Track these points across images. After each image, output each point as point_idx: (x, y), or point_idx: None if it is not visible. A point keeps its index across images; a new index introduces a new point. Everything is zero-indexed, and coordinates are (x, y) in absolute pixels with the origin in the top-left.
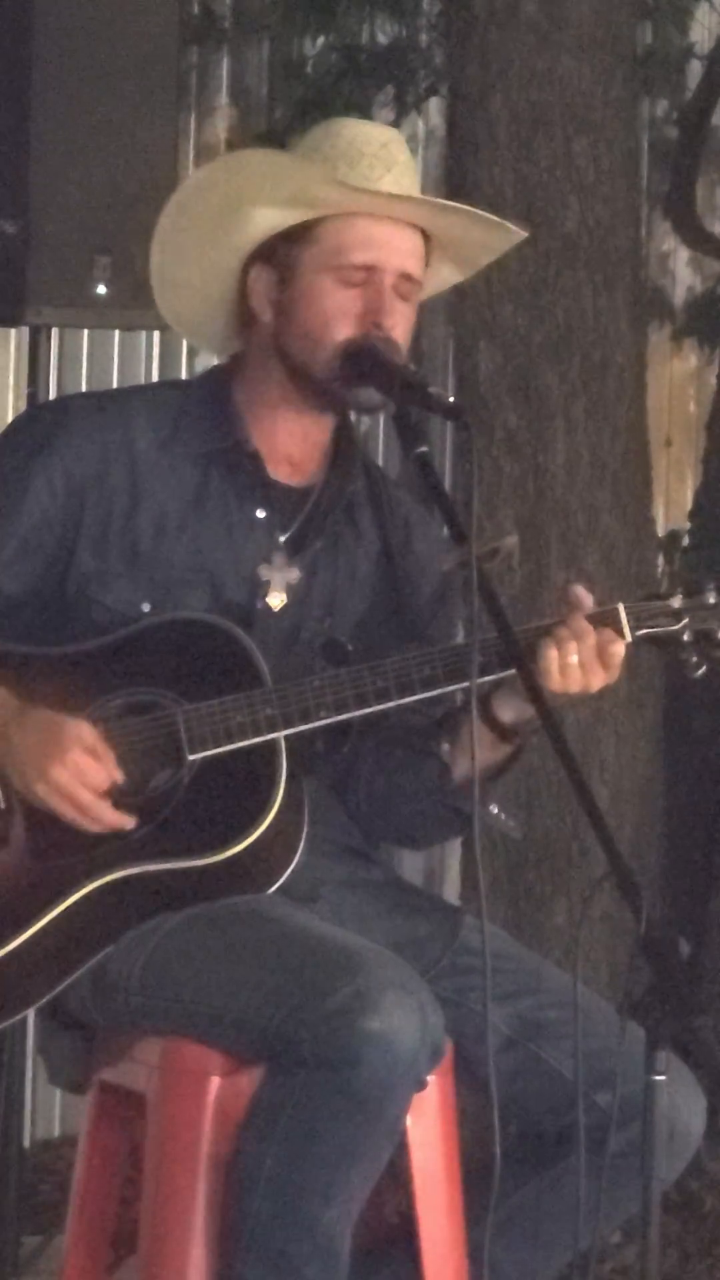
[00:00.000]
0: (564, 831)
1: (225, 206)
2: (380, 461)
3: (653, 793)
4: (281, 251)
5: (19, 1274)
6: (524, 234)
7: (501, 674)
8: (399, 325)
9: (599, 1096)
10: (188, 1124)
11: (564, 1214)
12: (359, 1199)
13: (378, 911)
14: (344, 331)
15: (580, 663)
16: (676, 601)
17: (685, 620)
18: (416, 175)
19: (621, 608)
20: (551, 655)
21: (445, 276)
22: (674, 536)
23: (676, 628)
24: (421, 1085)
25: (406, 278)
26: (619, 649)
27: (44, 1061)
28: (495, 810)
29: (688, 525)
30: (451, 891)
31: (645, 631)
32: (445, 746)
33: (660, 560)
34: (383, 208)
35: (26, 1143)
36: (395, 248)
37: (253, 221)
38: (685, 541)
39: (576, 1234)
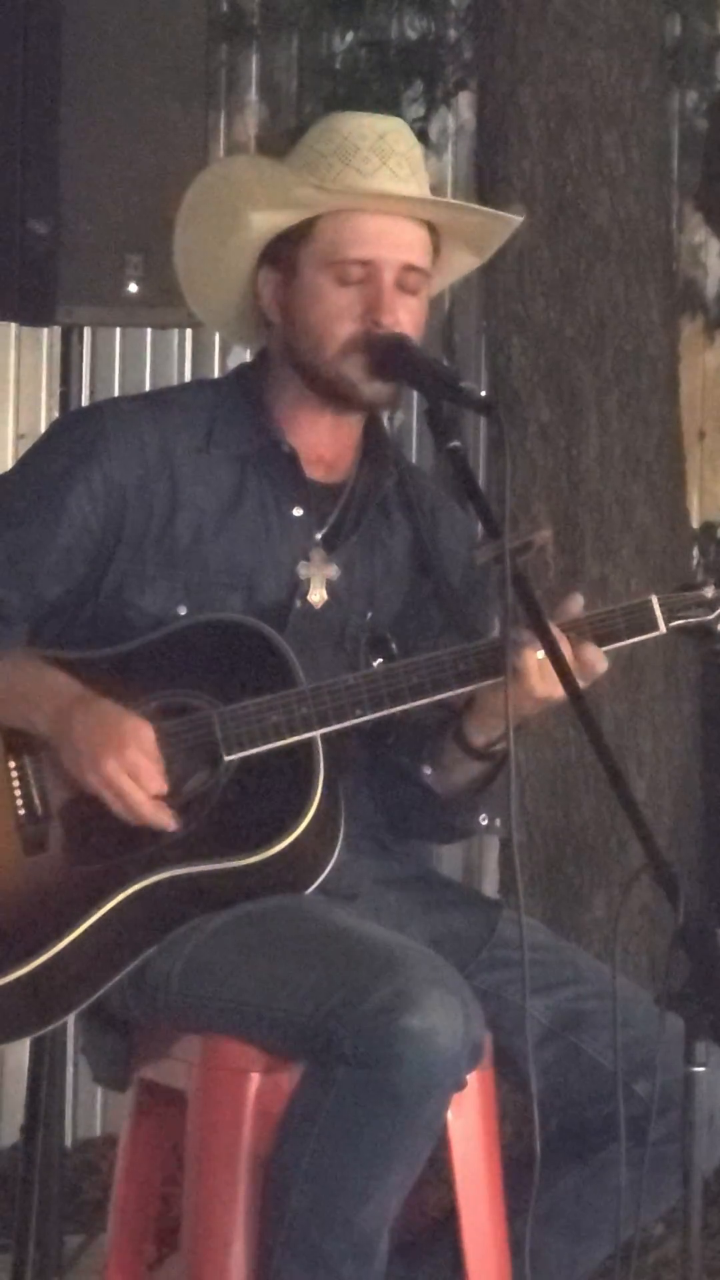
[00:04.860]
0: (602, 824)
1: (224, 211)
2: (413, 456)
3: (690, 785)
4: (284, 252)
5: (63, 1272)
6: (519, 219)
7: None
8: (403, 320)
9: (638, 1086)
10: (228, 1121)
11: (605, 1205)
12: (397, 1197)
13: (415, 908)
14: (345, 330)
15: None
16: (709, 591)
17: (719, 611)
18: (420, 164)
19: (655, 599)
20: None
21: (464, 261)
22: (708, 528)
23: (710, 618)
24: (461, 1085)
25: (410, 269)
26: (591, 654)
27: (86, 1060)
28: (485, 821)
29: None
30: (490, 885)
31: (679, 622)
32: (427, 770)
33: (695, 552)
34: (373, 202)
35: (68, 1142)
36: (392, 241)
37: (251, 225)
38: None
39: (618, 1225)
